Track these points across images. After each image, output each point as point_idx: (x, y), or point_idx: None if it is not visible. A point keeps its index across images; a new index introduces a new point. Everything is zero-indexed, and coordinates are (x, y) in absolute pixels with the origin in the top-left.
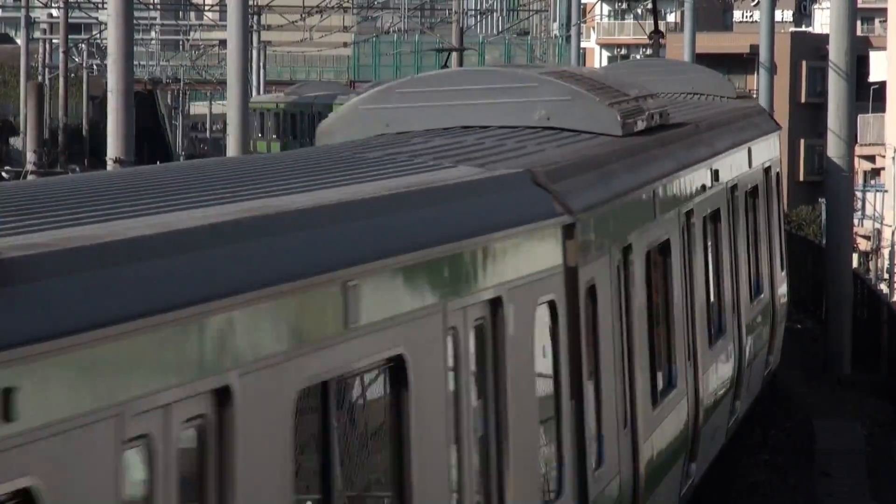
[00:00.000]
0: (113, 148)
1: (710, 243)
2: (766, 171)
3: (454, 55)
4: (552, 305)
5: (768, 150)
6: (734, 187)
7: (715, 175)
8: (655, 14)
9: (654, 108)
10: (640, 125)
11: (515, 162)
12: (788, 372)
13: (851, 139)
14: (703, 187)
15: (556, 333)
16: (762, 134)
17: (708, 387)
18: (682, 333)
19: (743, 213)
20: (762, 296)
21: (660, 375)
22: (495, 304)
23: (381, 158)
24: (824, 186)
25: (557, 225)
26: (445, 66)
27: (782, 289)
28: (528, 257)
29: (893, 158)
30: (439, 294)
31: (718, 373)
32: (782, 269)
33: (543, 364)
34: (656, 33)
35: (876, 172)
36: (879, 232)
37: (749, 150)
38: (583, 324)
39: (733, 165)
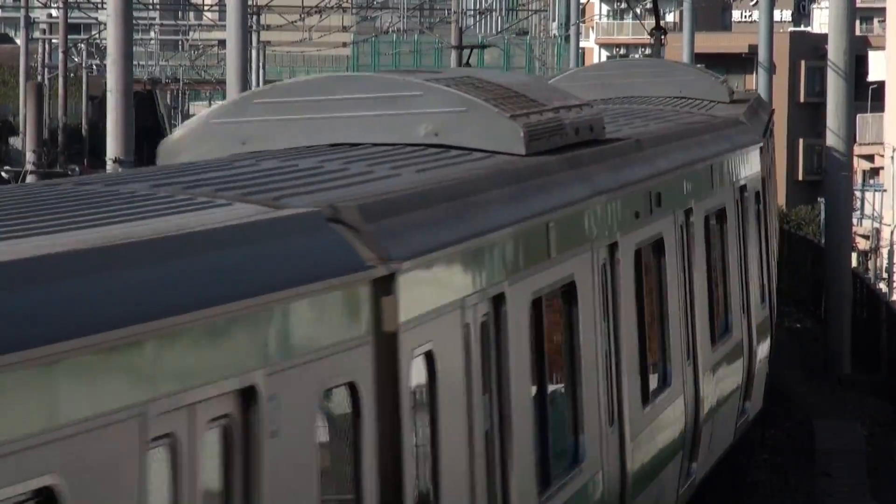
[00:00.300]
0: (112, 148)
1: (645, 281)
2: (742, 190)
3: (462, 54)
4: (353, 389)
5: (744, 166)
6: (688, 212)
7: (656, 199)
8: (657, 10)
9: (581, 120)
10: (554, 142)
11: (331, 194)
12: (788, 372)
13: (850, 138)
14: (637, 214)
15: (357, 425)
16: (736, 148)
17: (641, 455)
18: (596, 396)
19: (702, 242)
20: (731, 336)
21: (555, 452)
22: (247, 395)
23: (133, 195)
24: (823, 186)
25: (365, 279)
26: (467, 64)
27: (764, 323)
28: (307, 326)
29: (892, 158)
30: (135, 392)
31: (658, 435)
32: (764, 300)
33: (334, 468)
34: (658, 30)
35: (875, 172)
36: (878, 231)
37: (711, 168)
38: (405, 408)
39: (687, 187)
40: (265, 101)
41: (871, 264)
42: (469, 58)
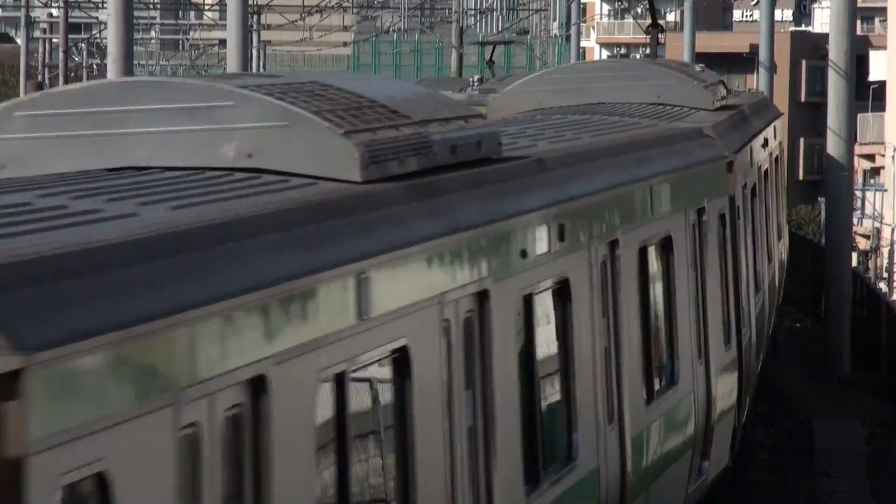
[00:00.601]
0: None
1: (538, 336)
2: (699, 213)
3: (479, 51)
4: None
5: (702, 185)
6: (613, 244)
7: (558, 232)
8: (652, 8)
9: (461, 136)
10: (410, 165)
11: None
12: (788, 372)
13: (851, 138)
14: (523, 253)
15: None
16: (691, 165)
17: None
18: (442, 489)
19: (632, 280)
20: (676, 389)
21: None
22: None
23: None
24: (824, 185)
25: None
26: (491, 61)
27: (729, 367)
28: None
29: (893, 157)
30: None
31: None
32: (729, 341)
33: None
34: (654, 27)
35: (875, 171)
36: (879, 231)
37: (651, 190)
38: None
39: (611, 214)
40: (32, 114)
41: (871, 264)
42: (493, 54)
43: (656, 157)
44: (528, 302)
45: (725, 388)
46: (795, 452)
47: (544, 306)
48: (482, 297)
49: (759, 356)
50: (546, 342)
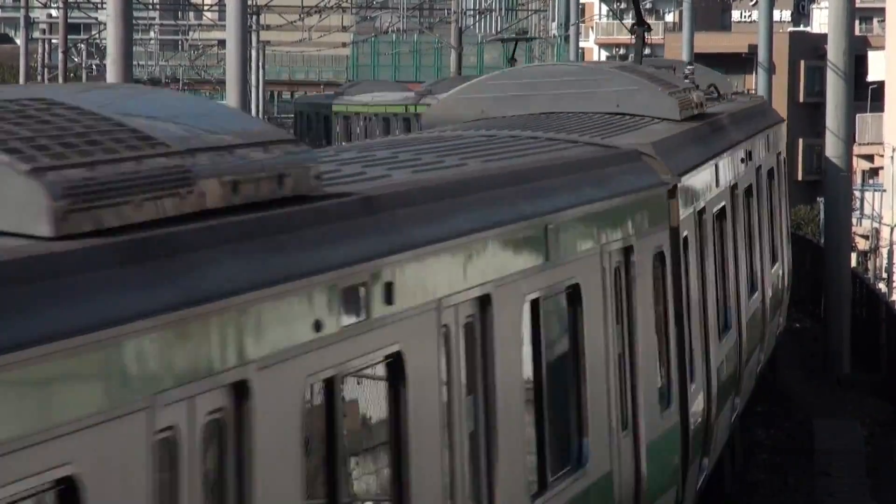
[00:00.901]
0: None
1: (340, 426)
2: (625, 253)
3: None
4: None
5: (628, 220)
6: (482, 302)
7: (384, 294)
8: (637, 6)
9: (249, 169)
10: (144, 213)
11: None
12: (788, 372)
13: (850, 139)
14: (318, 326)
15: None
16: (605, 196)
17: None
18: None
19: (516, 345)
20: (585, 470)
21: None
22: None
23: None
24: (823, 186)
25: None
26: (513, 58)
27: (668, 436)
28: None
29: (892, 158)
30: None
31: None
32: (669, 404)
33: None
34: (639, 26)
35: (874, 172)
36: (878, 231)
37: (546, 231)
38: None
39: (475, 265)
40: None
41: (870, 264)
42: (514, 52)
43: (561, 188)
44: (328, 387)
45: (662, 461)
46: (795, 452)
47: (355, 391)
48: (238, 390)
49: (724, 407)
50: (360, 436)
